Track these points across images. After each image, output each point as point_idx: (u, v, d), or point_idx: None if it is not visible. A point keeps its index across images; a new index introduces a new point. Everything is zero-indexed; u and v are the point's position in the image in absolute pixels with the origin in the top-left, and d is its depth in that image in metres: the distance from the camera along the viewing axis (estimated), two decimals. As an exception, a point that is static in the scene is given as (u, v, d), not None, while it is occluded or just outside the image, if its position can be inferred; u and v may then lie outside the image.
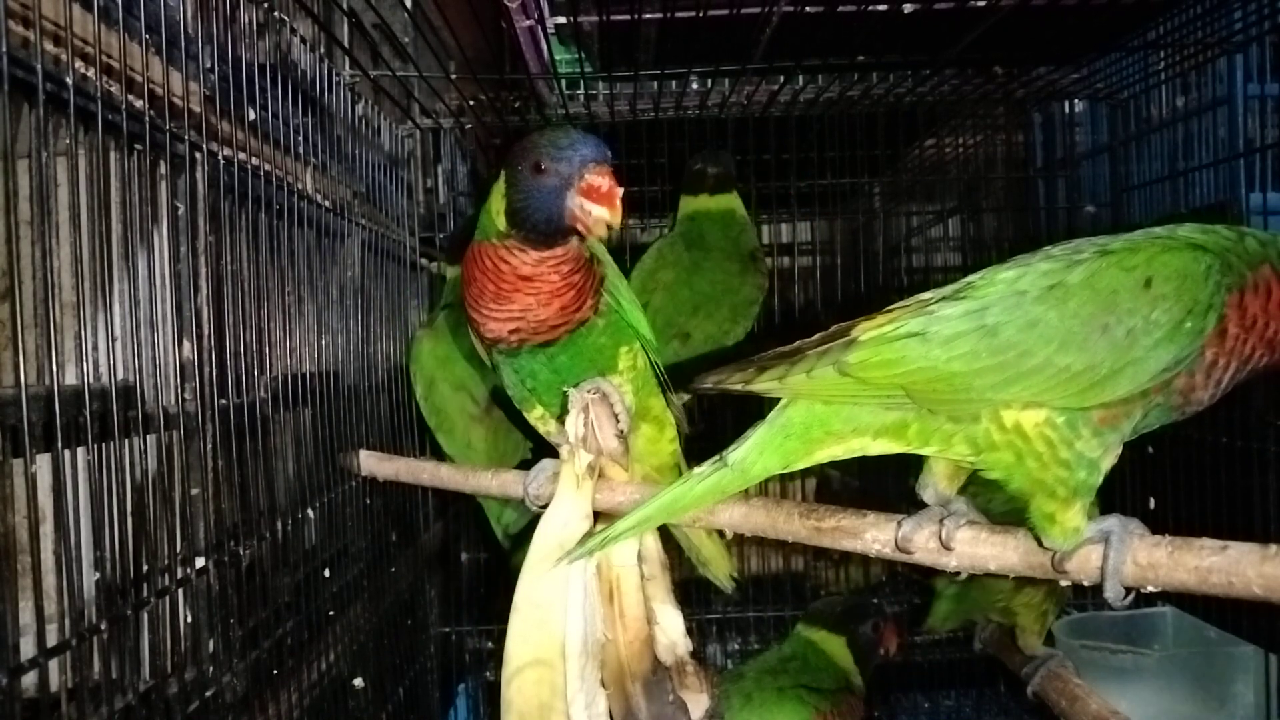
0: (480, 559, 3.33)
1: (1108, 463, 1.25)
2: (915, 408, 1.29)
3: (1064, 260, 1.24)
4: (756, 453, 1.38)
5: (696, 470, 1.43)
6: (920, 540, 1.36)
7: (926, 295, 1.32)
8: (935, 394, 1.25)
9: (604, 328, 1.82)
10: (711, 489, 1.42)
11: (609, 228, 1.59)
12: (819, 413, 1.35)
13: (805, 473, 4.24)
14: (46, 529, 1.16)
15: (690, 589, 3.26)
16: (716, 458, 1.41)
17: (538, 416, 1.93)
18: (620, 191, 1.59)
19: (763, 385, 1.33)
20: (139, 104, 1.31)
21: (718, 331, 2.82)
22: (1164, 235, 1.26)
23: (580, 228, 1.59)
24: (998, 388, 1.22)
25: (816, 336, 1.36)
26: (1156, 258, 1.20)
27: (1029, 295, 1.22)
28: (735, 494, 1.52)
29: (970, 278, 1.31)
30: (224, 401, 1.55)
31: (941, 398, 1.25)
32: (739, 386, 1.35)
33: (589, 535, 1.65)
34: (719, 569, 2.18)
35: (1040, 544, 1.26)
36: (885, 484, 3.74)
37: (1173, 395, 1.23)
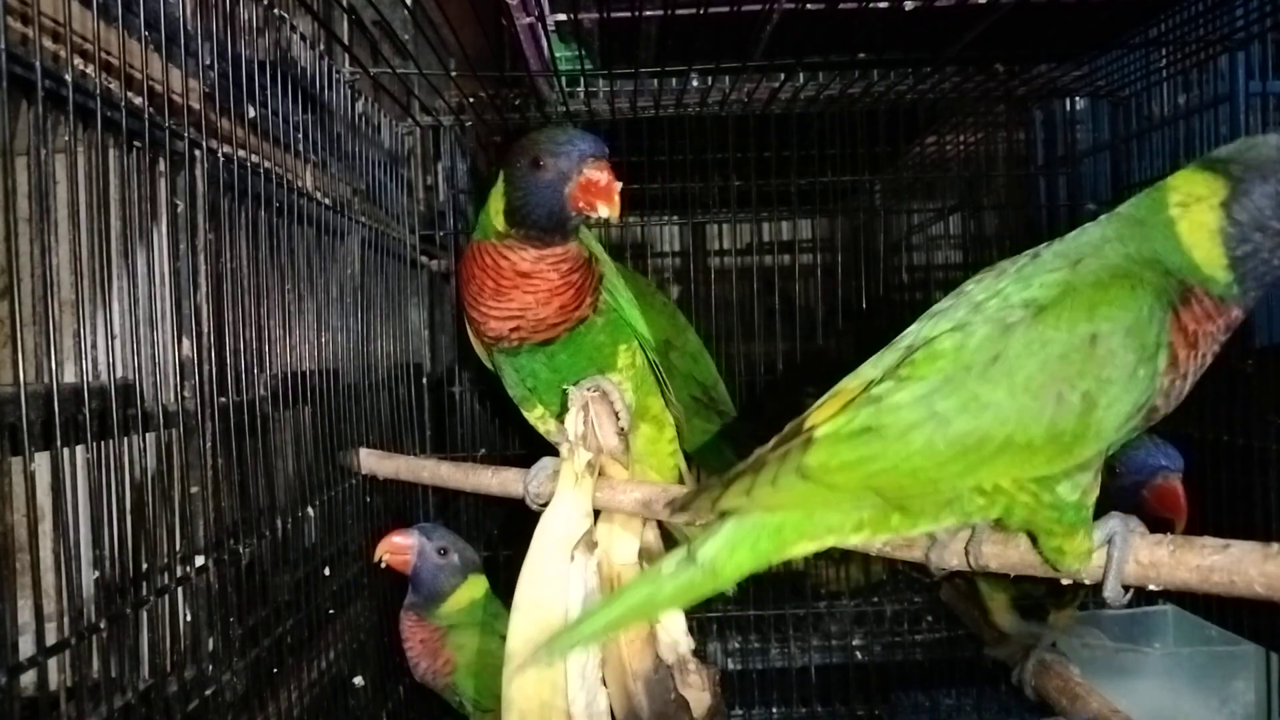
0: (480, 558, 3.32)
1: (1091, 498, 1.24)
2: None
3: (999, 323, 1.18)
4: (727, 552, 1.26)
5: (664, 567, 1.29)
6: (950, 561, 1.37)
7: (870, 373, 1.26)
8: (905, 490, 1.21)
9: (603, 326, 1.82)
10: (683, 589, 1.28)
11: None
12: (791, 517, 1.26)
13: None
14: (45, 527, 1.16)
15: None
16: (683, 551, 1.28)
17: (538, 416, 1.93)
18: (619, 185, 1.59)
19: (731, 503, 1.23)
20: (138, 101, 1.30)
21: None
22: (1092, 263, 1.20)
23: (583, 211, 1.61)
24: (965, 474, 1.18)
25: (771, 441, 1.28)
26: (1096, 309, 1.15)
27: (973, 372, 1.16)
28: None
29: (909, 340, 1.26)
30: (223, 399, 1.54)
31: (912, 493, 1.21)
32: (708, 512, 1.26)
33: (588, 534, 1.65)
34: None
35: (1057, 571, 1.26)
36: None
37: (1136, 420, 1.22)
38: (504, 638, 2.11)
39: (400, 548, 2.15)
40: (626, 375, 1.87)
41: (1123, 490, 1.93)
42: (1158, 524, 1.64)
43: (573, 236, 1.72)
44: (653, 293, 2.85)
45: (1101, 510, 1.26)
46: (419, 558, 2.16)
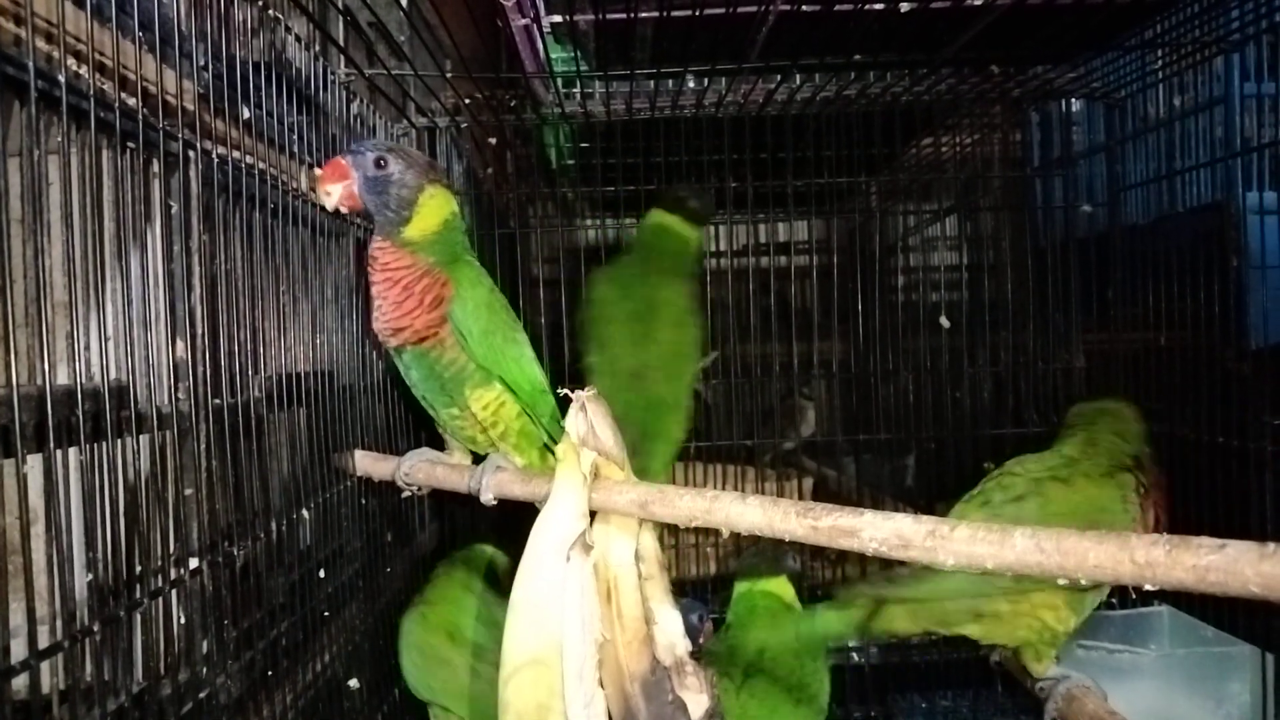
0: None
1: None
2: None
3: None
4: None
5: None
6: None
7: None
8: None
9: (451, 360, 1.78)
10: None
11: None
12: None
13: (802, 472, 4.22)
14: (38, 530, 1.15)
15: (687, 589, 3.26)
16: None
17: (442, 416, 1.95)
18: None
19: None
20: (132, 102, 1.30)
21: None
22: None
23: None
24: None
25: None
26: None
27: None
28: (732, 493, 1.51)
29: None
30: (218, 401, 1.54)
31: None
32: None
33: (584, 535, 1.64)
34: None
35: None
36: (882, 482, 3.74)
37: None
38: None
39: None
40: (482, 427, 1.85)
41: None
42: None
43: (388, 233, 1.76)
44: (650, 310, 2.58)
45: None
46: None
